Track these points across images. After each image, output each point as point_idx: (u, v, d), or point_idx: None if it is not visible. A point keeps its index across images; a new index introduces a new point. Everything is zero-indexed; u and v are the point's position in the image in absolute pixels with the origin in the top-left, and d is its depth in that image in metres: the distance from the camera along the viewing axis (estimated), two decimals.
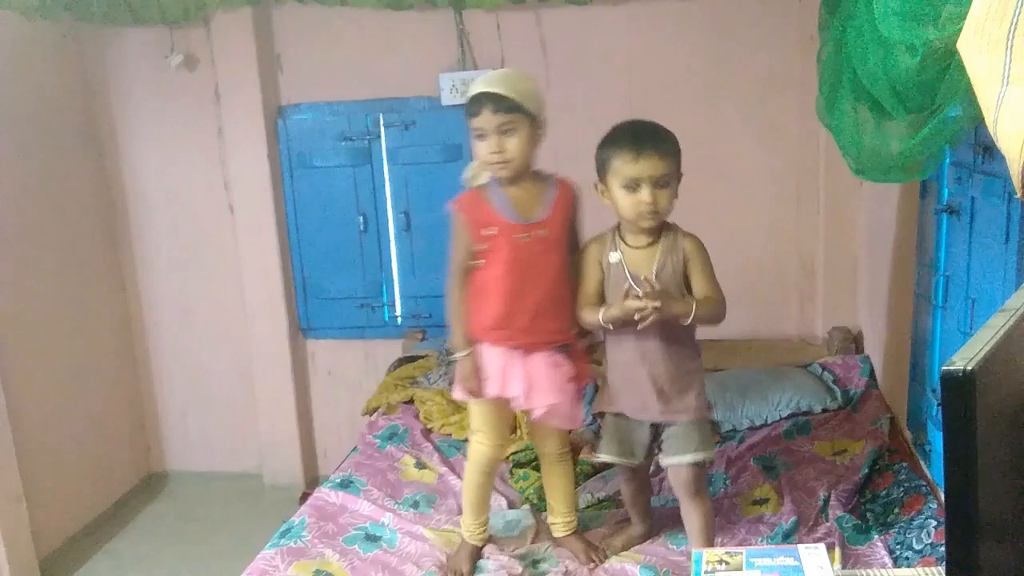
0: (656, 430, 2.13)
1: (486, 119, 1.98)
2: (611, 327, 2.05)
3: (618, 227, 2.10)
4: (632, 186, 1.97)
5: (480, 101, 1.98)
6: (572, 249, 2.15)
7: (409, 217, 3.58)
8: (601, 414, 2.22)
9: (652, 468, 2.33)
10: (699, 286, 2.03)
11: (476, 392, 2.12)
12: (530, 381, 2.08)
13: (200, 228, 3.76)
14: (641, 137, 1.97)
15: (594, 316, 2.05)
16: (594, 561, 2.20)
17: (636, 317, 1.93)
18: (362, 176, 3.59)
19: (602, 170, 2.04)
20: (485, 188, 2.09)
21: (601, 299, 2.11)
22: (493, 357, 2.11)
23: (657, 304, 1.89)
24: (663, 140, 1.98)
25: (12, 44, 3.23)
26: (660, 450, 2.14)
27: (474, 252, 2.07)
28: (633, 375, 2.07)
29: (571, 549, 2.25)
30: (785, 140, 3.30)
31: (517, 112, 1.99)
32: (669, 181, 1.98)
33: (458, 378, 2.14)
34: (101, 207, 3.74)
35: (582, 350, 2.18)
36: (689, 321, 1.97)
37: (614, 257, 2.07)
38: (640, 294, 1.91)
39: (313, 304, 3.75)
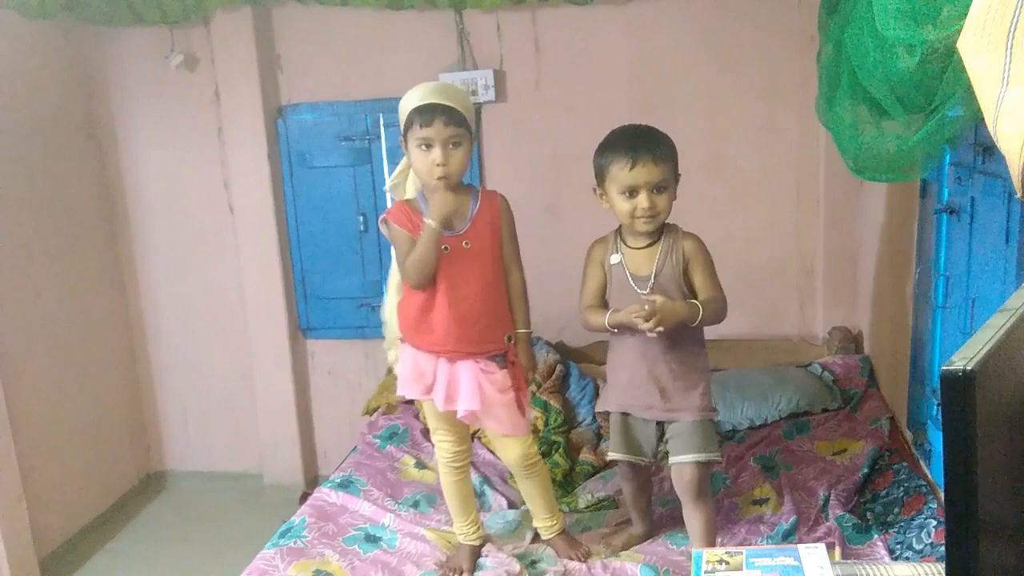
0: (662, 428, 2.14)
1: (437, 130, 1.99)
2: (616, 331, 2.06)
3: (620, 229, 2.11)
4: (629, 193, 1.98)
5: (432, 111, 1.99)
6: (510, 259, 2.16)
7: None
8: (606, 413, 2.22)
9: (652, 468, 2.33)
10: (700, 285, 2.04)
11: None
12: (452, 386, 2.11)
13: (200, 228, 3.76)
14: (636, 144, 1.98)
15: (600, 319, 2.06)
16: (572, 558, 2.22)
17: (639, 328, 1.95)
18: (362, 176, 3.59)
19: (600, 176, 2.05)
20: (413, 201, 2.13)
21: (603, 300, 2.12)
22: (419, 360, 2.15)
23: (656, 326, 1.90)
24: (658, 145, 1.99)
25: (12, 44, 3.23)
26: (667, 449, 2.15)
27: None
28: (636, 373, 2.08)
29: (554, 547, 2.28)
30: (785, 140, 3.30)
31: (464, 126, 2.03)
32: (666, 185, 1.99)
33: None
34: (101, 207, 3.73)
35: (516, 360, 2.19)
36: (696, 323, 1.98)
37: (615, 259, 2.08)
38: (644, 312, 1.92)
39: (313, 304, 3.75)
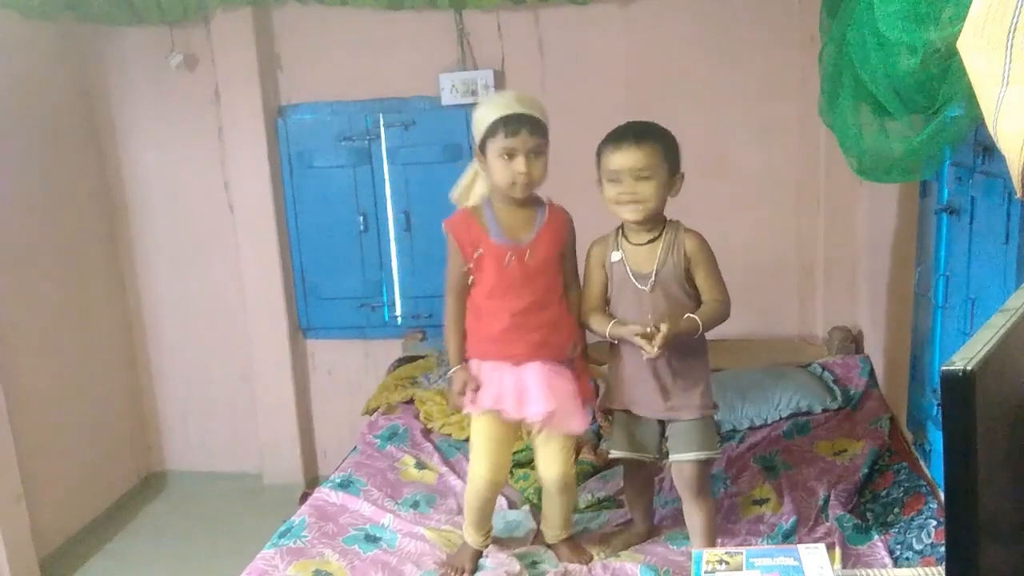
0: (663, 426, 2.14)
1: (523, 140, 1.99)
2: (615, 341, 2.07)
3: (621, 227, 2.11)
4: (614, 178, 2.00)
5: (519, 122, 1.99)
6: (571, 276, 2.17)
7: (409, 217, 3.58)
8: (610, 411, 2.23)
9: (656, 466, 2.33)
10: (703, 286, 2.05)
11: (460, 406, 2.16)
12: (521, 391, 2.09)
13: (200, 228, 3.76)
14: (624, 131, 2.01)
15: (602, 327, 2.08)
16: (576, 563, 2.21)
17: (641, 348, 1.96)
18: (362, 176, 3.59)
19: (597, 168, 2.07)
20: (478, 208, 2.12)
21: (604, 302, 2.12)
22: (486, 370, 2.13)
23: (659, 352, 1.93)
24: (645, 134, 2.00)
25: (12, 44, 3.23)
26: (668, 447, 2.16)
27: (466, 270, 2.11)
28: (637, 372, 2.09)
29: (557, 552, 2.27)
30: (785, 140, 3.30)
31: (545, 137, 2.05)
32: (649, 174, 1.98)
33: (450, 391, 2.19)
34: (101, 207, 3.73)
35: (583, 366, 2.19)
36: (697, 335, 2.00)
37: (615, 256, 2.09)
38: (650, 333, 1.94)
39: (313, 304, 3.75)
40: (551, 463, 2.18)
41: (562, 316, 2.14)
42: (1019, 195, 0.90)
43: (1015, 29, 0.87)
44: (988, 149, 1.93)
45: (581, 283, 2.20)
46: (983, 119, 0.95)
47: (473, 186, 2.16)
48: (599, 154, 2.05)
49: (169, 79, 3.58)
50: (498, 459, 2.19)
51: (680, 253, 2.03)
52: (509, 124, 1.99)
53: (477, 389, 2.12)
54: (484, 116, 2.03)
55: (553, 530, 2.27)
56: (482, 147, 2.04)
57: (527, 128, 2.00)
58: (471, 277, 2.11)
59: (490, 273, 2.08)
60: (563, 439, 2.17)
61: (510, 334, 2.08)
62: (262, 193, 3.59)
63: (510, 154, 2.00)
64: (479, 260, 2.08)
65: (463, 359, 2.16)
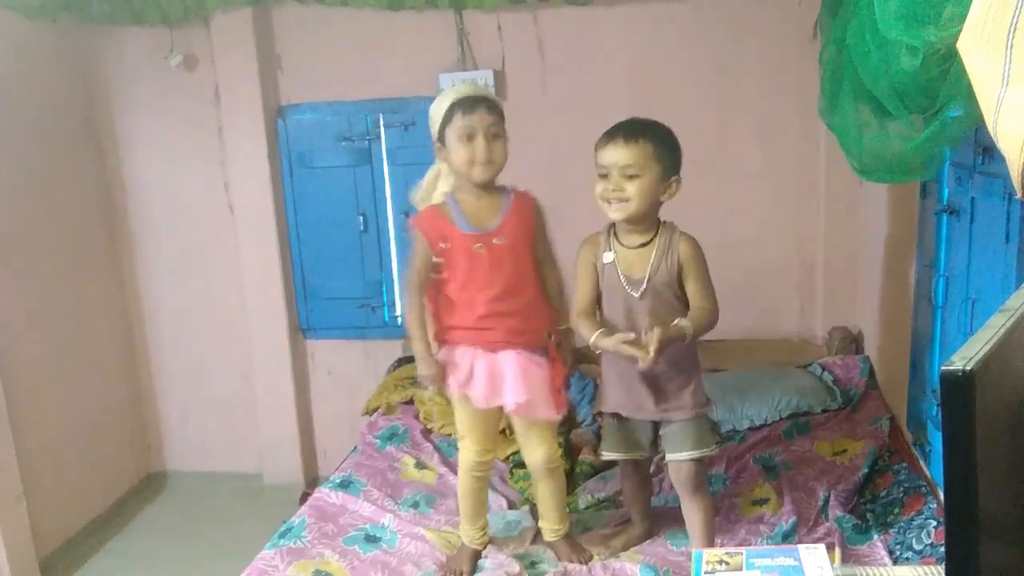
0: (656, 426, 2.14)
1: (480, 118, 2.01)
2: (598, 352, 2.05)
3: (613, 226, 2.09)
4: (603, 174, 2.00)
5: (473, 102, 2.02)
6: (545, 258, 2.17)
7: (409, 217, 3.58)
8: (601, 414, 2.22)
9: (652, 468, 2.33)
10: (693, 294, 2.03)
11: (435, 388, 2.19)
12: (495, 379, 2.09)
13: (200, 228, 3.76)
14: (619, 126, 2.00)
15: (589, 335, 2.04)
16: (575, 562, 2.21)
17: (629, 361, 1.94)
18: (362, 176, 3.59)
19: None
20: (443, 205, 2.13)
21: (595, 306, 2.11)
22: (459, 356, 2.13)
23: (650, 363, 1.89)
24: (639, 131, 1.98)
25: (12, 44, 3.23)
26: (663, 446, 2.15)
27: (434, 265, 2.11)
28: (628, 375, 2.07)
29: (556, 551, 2.27)
30: (785, 140, 3.30)
31: (502, 118, 2.06)
32: (637, 173, 1.95)
33: (422, 380, 2.20)
34: (101, 207, 3.73)
35: (557, 352, 2.18)
36: (686, 342, 1.98)
37: (607, 257, 2.07)
38: (640, 351, 1.90)
39: (313, 304, 3.75)
40: (534, 447, 2.20)
41: (537, 302, 2.14)
42: (1019, 195, 0.90)
43: (1015, 29, 0.87)
44: (988, 149, 1.93)
45: (559, 266, 2.19)
46: (983, 119, 0.95)
47: (435, 186, 2.18)
48: (595, 149, 2.03)
49: (169, 79, 3.58)
50: (483, 439, 2.21)
51: (674, 258, 2.01)
52: (464, 105, 2.01)
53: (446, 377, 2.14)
54: (439, 106, 2.06)
55: (551, 524, 2.27)
56: (442, 137, 2.06)
57: (484, 107, 2.02)
58: (443, 273, 2.11)
59: (460, 263, 2.08)
60: (542, 422, 2.18)
61: (486, 321, 2.08)
62: (262, 193, 3.59)
63: (470, 135, 2.01)
64: (448, 252, 2.08)
65: (429, 352, 2.15)
